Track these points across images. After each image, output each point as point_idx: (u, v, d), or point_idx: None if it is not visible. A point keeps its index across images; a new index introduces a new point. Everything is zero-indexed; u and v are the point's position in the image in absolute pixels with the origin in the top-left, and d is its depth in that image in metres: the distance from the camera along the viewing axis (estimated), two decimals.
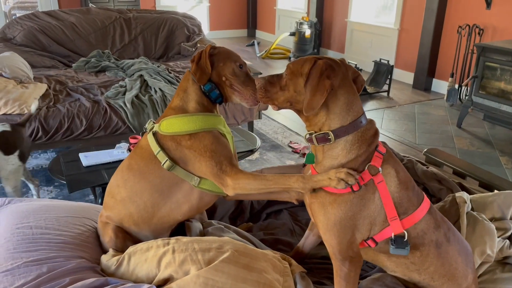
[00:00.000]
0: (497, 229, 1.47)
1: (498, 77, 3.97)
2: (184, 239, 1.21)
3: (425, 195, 1.25)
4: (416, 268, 1.23)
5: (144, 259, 1.18)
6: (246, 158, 3.45)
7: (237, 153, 2.56)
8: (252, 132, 3.86)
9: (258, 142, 2.75)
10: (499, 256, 1.45)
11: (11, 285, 1.07)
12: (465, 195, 1.52)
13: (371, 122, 1.20)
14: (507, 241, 1.46)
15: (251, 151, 2.63)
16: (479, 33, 4.91)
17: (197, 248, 1.16)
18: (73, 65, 4.29)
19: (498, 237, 1.44)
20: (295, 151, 3.73)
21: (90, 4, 7.01)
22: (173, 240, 1.21)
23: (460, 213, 1.46)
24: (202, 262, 1.12)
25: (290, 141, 3.94)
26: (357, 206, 1.14)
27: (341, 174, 1.11)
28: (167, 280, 1.14)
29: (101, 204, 2.15)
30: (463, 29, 5.02)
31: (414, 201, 1.19)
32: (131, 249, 1.23)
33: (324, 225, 1.17)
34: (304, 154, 3.63)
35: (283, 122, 4.47)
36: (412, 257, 1.21)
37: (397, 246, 1.15)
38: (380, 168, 1.15)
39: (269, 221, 1.83)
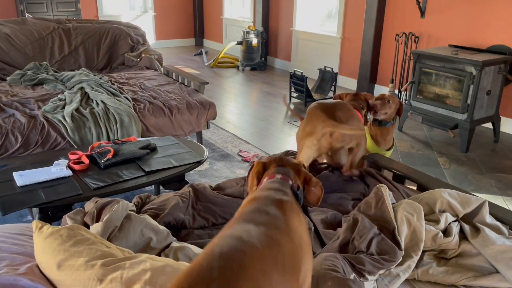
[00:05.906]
0: (429, 221, 1.59)
1: (434, 82, 4.20)
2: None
3: None
4: None
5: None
6: (196, 169, 3.40)
7: (184, 164, 2.52)
8: (201, 142, 3.82)
9: (206, 153, 2.72)
10: (433, 245, 1.55)
11: None
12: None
13: None
14: (440, 232, 1.56)
15: (199, 162, 2.60)
16: (415, 41, 5.18)
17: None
18: (8, 78, 4.05)
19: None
20: (244, 159, 3.73)
21: (27, 15, 6.68)
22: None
23: (384, 194, 1.61)
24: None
25: (240, 150, 3.94)
26: None
27: None
28: None
29: None
30: (400, 37, 5.27)
31: None
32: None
33: None
34: (253, 163, 3.63)
35: (232, 131, 4.46)
36: None
37: None
38: None
39: None
